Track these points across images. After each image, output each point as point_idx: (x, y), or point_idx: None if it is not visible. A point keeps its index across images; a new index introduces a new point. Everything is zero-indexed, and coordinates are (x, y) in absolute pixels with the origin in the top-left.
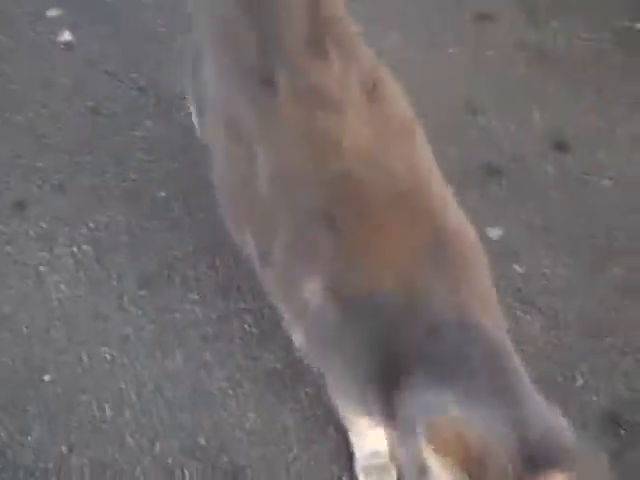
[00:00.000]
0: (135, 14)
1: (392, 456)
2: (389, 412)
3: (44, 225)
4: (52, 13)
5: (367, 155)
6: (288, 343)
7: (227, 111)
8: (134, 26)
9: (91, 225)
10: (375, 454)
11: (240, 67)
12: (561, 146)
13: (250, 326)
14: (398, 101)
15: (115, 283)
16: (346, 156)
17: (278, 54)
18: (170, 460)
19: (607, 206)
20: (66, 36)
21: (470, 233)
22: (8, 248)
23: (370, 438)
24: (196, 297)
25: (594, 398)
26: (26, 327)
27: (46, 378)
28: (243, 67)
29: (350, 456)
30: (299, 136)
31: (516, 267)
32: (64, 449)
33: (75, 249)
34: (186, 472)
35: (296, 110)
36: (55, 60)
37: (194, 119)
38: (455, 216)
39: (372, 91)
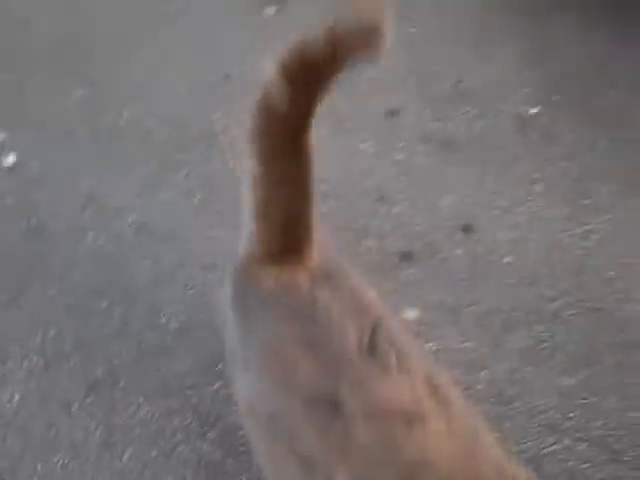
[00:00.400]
0: (69, 123)
1: None
2: None
3: None
4: None
5: (457, 468)
6: (228, 434)
7: (289, 434)
8: (74, 145)
9: (40, 338)
10: None
11: (298, 387)
12: (467, 228)
13: (192, 421)
14: (460, 399)
15: (64, 391)
16: (436, 474)
17: (336, 369)
18: None
19: (510, 281)
20: (10, 158)
21: None
22: None
23: None
24: (140, 399)
25: None
26: None
27: None
28: (301, 387)
29: None
30: (379, 456)
31: (430, 345)
32: None
33: (26, 362)
34: None
35: (370, 429)
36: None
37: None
38: None
39: (437, 393)
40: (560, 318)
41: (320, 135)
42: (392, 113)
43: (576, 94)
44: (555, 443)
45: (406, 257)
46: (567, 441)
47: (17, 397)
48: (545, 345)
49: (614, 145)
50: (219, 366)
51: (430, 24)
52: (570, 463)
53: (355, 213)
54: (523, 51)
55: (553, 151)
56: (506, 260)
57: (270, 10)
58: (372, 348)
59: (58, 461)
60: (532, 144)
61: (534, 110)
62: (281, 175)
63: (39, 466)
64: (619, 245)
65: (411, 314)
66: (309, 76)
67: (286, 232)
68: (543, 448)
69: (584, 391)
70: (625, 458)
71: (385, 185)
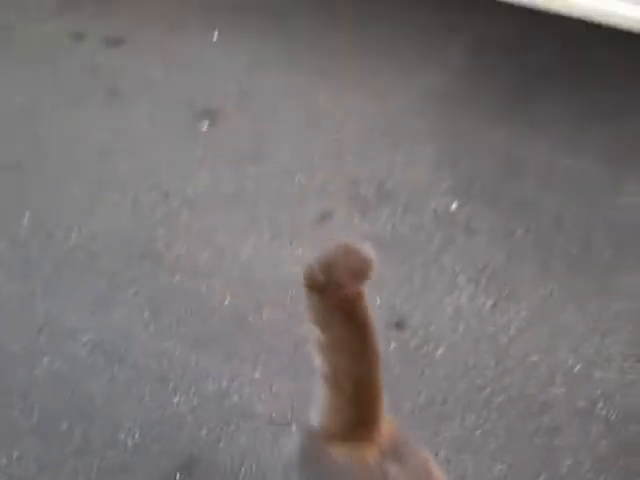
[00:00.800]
0: (20, 247)
1: None
2: None
3: None
4: None
5: None
6: None
7: None
8: (26, 269)
9: (4, 460)
10: None
11: None
12: (399, 325)
13: None
14: None
15: None
16: None
17: None
18: None
19: (442, 373)
20: None
21: None
22: None
23: None
24: None
25: None
26: None
27: None
28: None
29: None
30: None
31: None
32: None
33: None
34: None
35: None
36: None
37: None
38: None
39: None
40: (490, 405)
41: (256, 242)
42: (324, 215)
43: (490, 187)
44: None
45: None
46: None
47: None
48: (477, 433)
49: (529, 234)
50: (177, 478)
51: (351, 132)
52: None
53: (293, 318)
54: (438, 151)
55: (473, 243)
56: (439, 352)
57: (202, 125)
58: None
59: None
60: (453, 238)
61: (453, 205)
62: (342, 345)
63: None
64: (538, 331)
65: None
66: (324, 294)
67: (355, 403)
68: None
69: (515, 475)
70: None
71: None
